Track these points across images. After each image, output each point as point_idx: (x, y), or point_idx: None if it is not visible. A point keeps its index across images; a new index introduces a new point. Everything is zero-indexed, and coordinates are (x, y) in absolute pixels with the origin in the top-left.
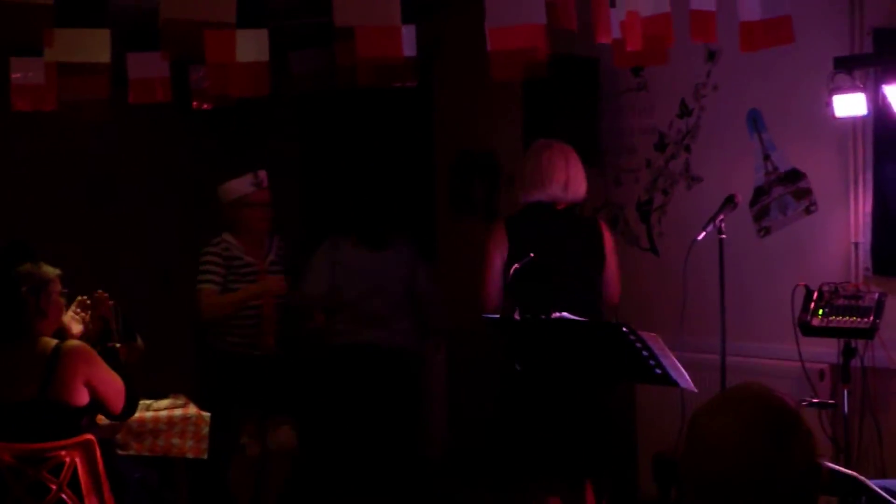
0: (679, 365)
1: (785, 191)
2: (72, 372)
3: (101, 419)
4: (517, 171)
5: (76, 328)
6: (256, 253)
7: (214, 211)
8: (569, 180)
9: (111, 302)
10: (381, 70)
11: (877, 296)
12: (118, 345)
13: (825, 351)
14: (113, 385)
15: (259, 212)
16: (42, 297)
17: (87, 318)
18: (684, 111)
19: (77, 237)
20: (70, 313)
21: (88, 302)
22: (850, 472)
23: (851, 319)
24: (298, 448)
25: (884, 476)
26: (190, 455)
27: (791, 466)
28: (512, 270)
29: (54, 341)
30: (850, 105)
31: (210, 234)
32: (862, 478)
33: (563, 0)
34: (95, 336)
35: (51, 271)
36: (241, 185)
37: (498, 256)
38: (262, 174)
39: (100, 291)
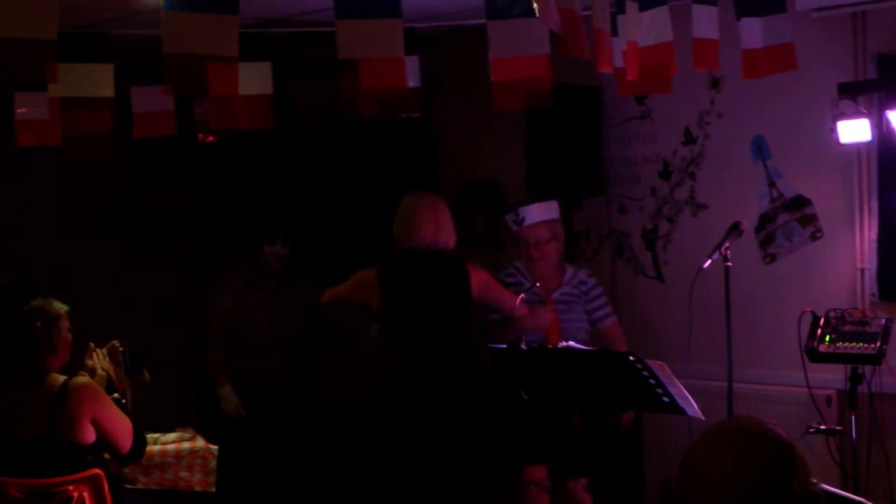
0: (686, 393)
1: (790, 217)
2: (79, 409)
3: (107, 457)
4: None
5: (100, 370)
6: (548, 282)
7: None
8: (438, 229)
9: (117, 344)
10: (384, 101)
11: (883, 321)
12: (123, 399)
13: (832, 377)
14: (120, 424)
15: (524, 249)
16: (53, 333)
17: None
18: (688, 139)
19: (83, 270)
20: (100, 354)
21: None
22: (858, 498)
23: (858, 345)
24: None
25: (892, 502)
26: (198, 488)
27: (788, 498)
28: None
29: (62, 378)
30: (854, 131)
31: (217, 265)
32: None
33: (573, 30)
34: (101, 386)
35: (60, 307)
36: (508, 222)
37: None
38: (522, 211)
39: (115, 342)
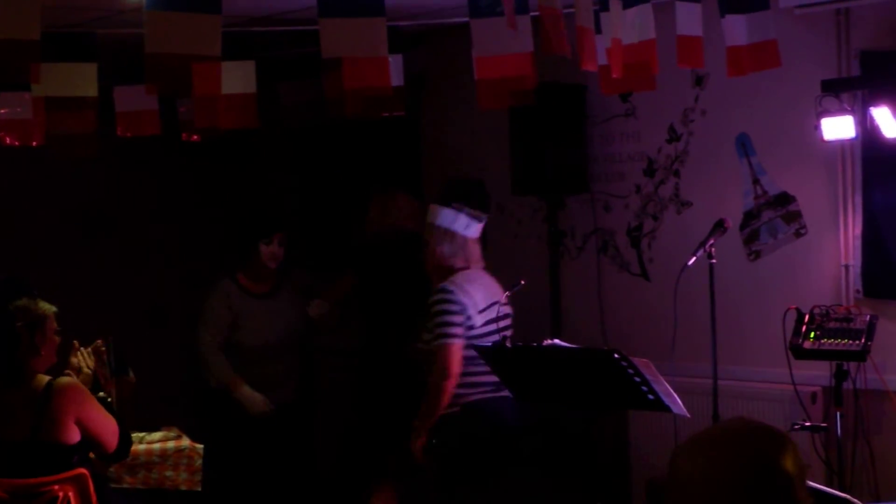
0: (671, 390)
1: (775, 214)
2: (63, 410)
3: (93, 457)
4: None
5: (85, 369)
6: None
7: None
8: (379, 213)
9: (101, 341)
10: (368, 100)
11: (868, 318)
12: (109, 398)
13: (817, 374)
14: (105, 424)
15: None
16: (37, 334)
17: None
18: (673, 136)
19: (72, 270)
20: (84, 352)
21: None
22: (843, 495)
23: (843, 342)
24: None
25: (877, 499)
26: (183, 487)
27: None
28: None
29: (46, 378)
30: (838, 128)
31: (210, 266)
32: (855, 501)
33: (555, 28)
34: (87, 385)
35: (47, 308)
36: None
37: None
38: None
39: (99, 341)
